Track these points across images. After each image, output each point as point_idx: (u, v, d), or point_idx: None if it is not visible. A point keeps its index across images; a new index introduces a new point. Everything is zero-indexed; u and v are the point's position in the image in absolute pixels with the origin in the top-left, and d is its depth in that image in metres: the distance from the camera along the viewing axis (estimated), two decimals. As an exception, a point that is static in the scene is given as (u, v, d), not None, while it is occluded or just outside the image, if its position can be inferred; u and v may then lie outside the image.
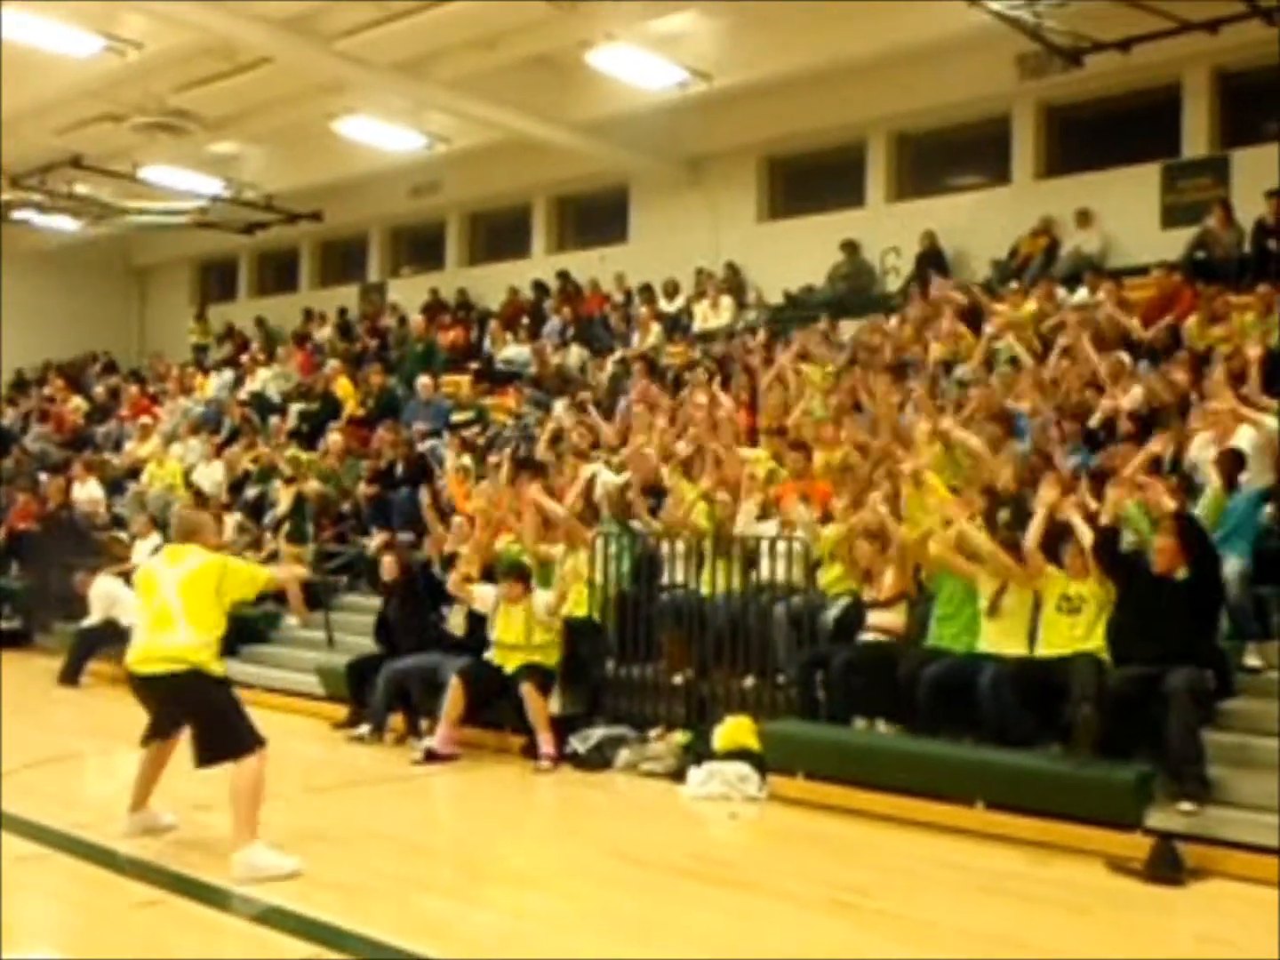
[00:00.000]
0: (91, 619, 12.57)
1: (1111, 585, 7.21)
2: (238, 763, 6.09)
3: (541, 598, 9.15)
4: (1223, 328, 10.81)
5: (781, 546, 8.80)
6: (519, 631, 9.03)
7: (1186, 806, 6.41)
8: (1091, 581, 7.25)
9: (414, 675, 9.47)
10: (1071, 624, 7.26)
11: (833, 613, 8.46)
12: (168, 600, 6.27)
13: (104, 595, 12.54)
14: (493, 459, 12.18)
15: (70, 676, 12.20)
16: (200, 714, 6.23)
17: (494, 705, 9.10)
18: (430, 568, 10.71)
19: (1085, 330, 10.91)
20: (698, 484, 10.06)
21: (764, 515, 9.44)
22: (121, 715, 10.83)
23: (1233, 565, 7.42)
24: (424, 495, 11.41)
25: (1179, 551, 6.99)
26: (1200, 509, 7.75)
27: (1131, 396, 9.80)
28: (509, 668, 8.98)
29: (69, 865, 6.26)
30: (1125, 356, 10.61)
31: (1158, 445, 8.29)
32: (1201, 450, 8.56)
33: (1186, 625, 6.92)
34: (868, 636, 8.15)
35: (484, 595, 9.46)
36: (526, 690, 8.74)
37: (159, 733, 6.52)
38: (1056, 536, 7.48)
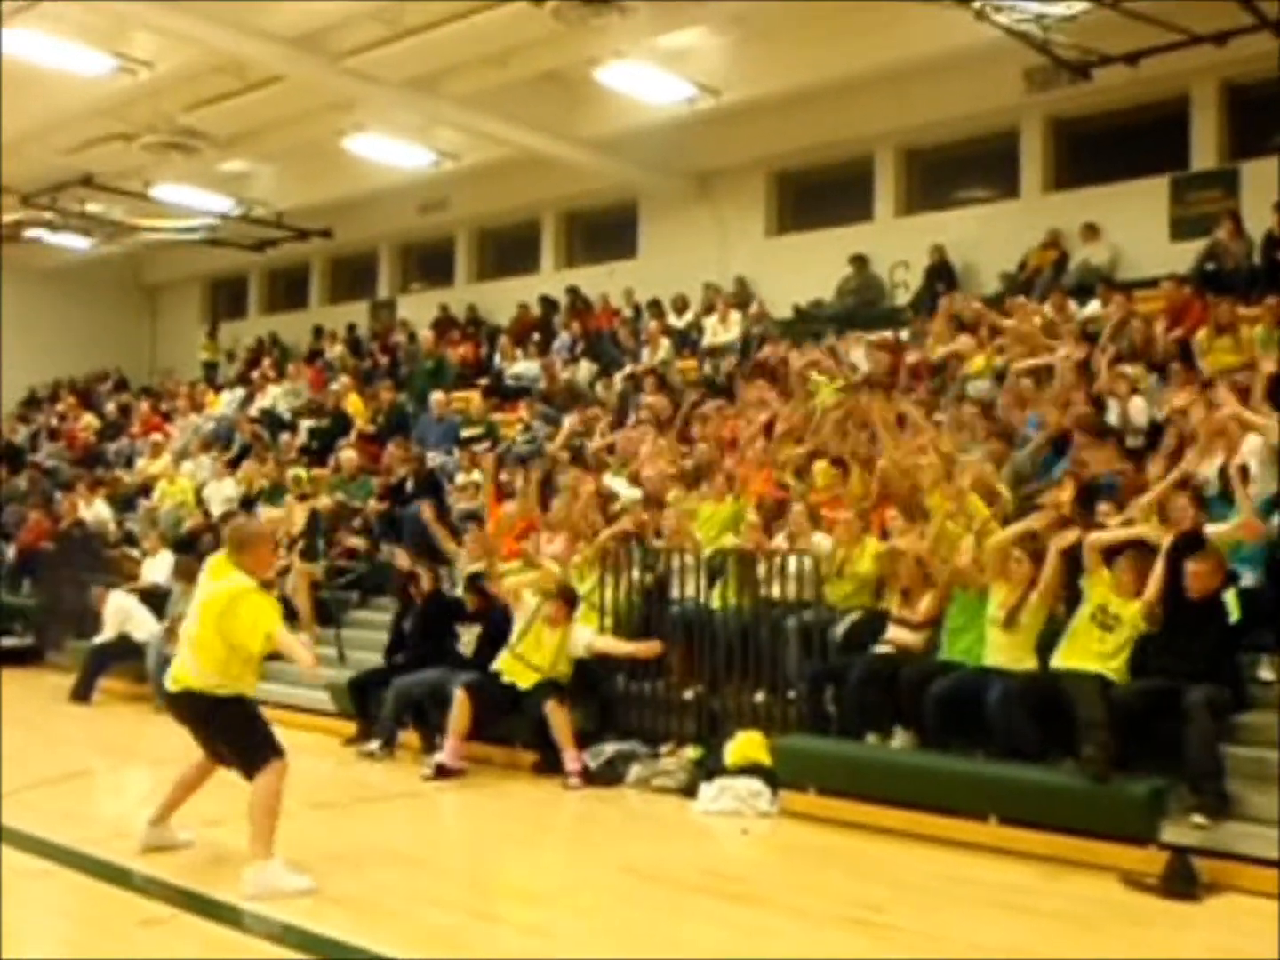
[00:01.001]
0: (105, 635, 12.57)
1: (1156, 613, 7.11)
2: (255, 780, 6.08)
3: (583, 634, 9.12)
4: (1230, 339, 10.76)
5: (793, 563, 8.79)
6: (547, 657, 8.95)
7: (1199, 820, 6.38)
8: (1135, 608, 7.14)
9: (424, 691, 9.46)
10: (1102, 638, 7.15)
11: (841, 627, 8.44)
12: (189, 620, 6.28)
13: (118, 611, 12.55)
14: (519, 476, 12.12)
15: (82, 693, 12.20)
16: (211, 734, 6.23)
17: (503, 721, 9.07)
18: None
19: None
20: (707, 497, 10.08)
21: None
22: (132, 732, 10.94)
23: (1246, 579, 7.38)
24: (425, 509, 11.43)
25: (1209, 577, 6.95)
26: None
27: (1136, 408, 9.77)
28: (522, 684, 8.95)
29: (76, 881, 6.26)
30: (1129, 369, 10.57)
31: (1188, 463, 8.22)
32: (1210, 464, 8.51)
33: (1213, 643, 6.88)
34: (883, 649, 8.12)
35: (528, 604, 9.27)
36: (551, 708, 8.69)
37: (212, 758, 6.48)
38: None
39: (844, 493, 9.55)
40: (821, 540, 8.89)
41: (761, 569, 9.02)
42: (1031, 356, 11.37)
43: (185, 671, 6.20)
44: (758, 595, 8.96)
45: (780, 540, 9.19)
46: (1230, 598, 6.99)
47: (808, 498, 9.60)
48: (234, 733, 6.20)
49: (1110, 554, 7.37)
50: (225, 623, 6.05)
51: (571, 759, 8.61)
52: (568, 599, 9.13)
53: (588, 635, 9.17)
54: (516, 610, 9.25)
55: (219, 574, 6.27)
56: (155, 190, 18.61)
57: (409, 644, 10.20)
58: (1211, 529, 7.39)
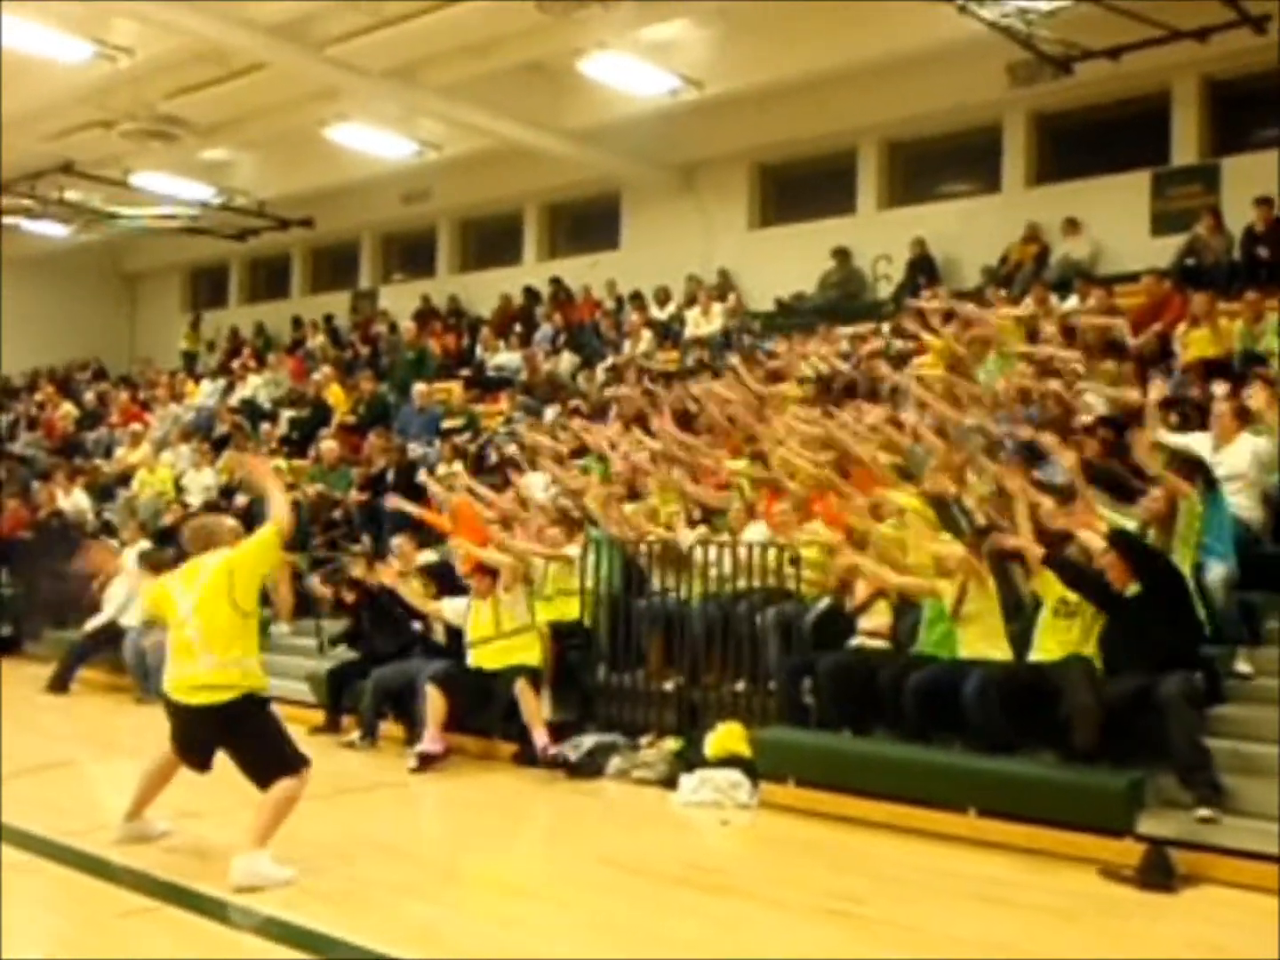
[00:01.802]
0: (99, 619, 12.46)
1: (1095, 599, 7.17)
2: (269, 786, 6.03)
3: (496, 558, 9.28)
4: (1209, 330, 10.80)
5: (772, 553, 8.82)
6: (489, 625, 9.08)
7: (1205, 813, 6.38)
8: None
9: (399, 682, 9.47)
10: (1068, 627, 7.20)
11: (810, 617, 8.47)
12: (186, 629, 6.10)
13: (118, 596, 12.46)
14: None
15: (60, 684, 12.14)
16: (238, 742, 6.09)
17: (479, 713, 9.09)
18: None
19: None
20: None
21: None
22: (111, 723, 10.89)
23: (1216, 571, 7.42)
24: (391, 500, 11.50)
25: (1124, 569, 6.99)
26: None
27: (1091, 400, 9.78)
28: (489, 665, 8.99)
29: (58, 873, 6.23)
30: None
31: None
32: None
33: (1169, 634, 6.89)
34: (856, 640, 8.15)
35: (455, 607, 9.54)
36: (520, 688, 8.73)
37: (183, 759, 6.36)
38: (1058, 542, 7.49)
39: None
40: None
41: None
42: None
43: (197, 678, 6.03)
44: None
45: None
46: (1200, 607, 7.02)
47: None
48: (260, 741, 6.08)
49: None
50: (238, 579, 6.02)
51: (539, 735, 8.67)
52: (484, 570, 9.24)
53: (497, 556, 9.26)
54: (449, 618, 9.60)
55: (195, 576, 6.18)
56: (135, 178, 18.53)
57: (374, 635, 10.17)
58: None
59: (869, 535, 8.34)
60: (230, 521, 6.87)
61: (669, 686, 9.06)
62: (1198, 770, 6.49)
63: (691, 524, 9.76)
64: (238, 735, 6.08)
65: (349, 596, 10.40)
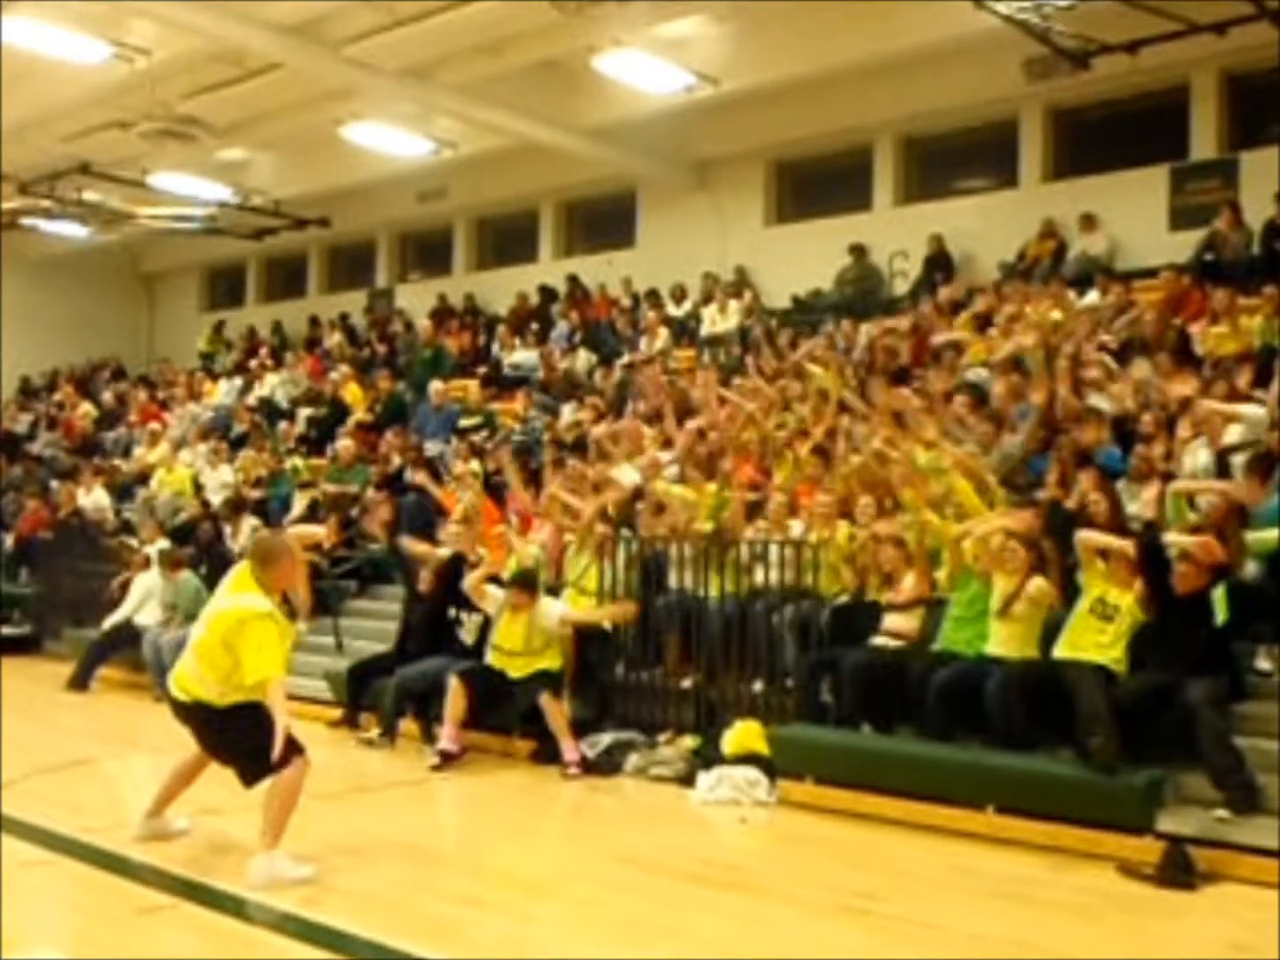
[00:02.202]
0: (118, 616, 12.48)
1: (1150, 603, 7.12)
2: (252, 785, 6.07)
3: (554, 607, 9.15)
4: (1229, 325, 10.75)
5: (790, 551, 8.81)
6: (519, 640, 9.01)
7: (1221, 814, 6.36)
8: (1131, 597, 7.15)
9: (423, 681, 9.46)
10: (1101, 629, 7.16)
11: (825, 614, 8.45)
12: (198, 627, 6.20)
13: (144, 591, 12.49)
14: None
15: (80, 682, 12.20)
16: (217, 741, 6.17)
17: (498, 710, 9.08)
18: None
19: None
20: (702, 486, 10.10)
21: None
22: (130, 721, 10.94)
23: (1251, 568, 7.39)
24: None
25: (1202, 572, 6.96)
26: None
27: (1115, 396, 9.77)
28: (511, 673, 8.98)
29: (75, 870, 6.26)
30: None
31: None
32: (1195, 455, 8.53)
33: (1208, 637, 6.88)
34: (880, 640, 8.13)
35: (495, 596, 9.45)
36: (545, 700, 8.70)
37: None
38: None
39: (825, 479, 9.62)
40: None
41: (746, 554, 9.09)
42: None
43: (190, 679, 6.13)
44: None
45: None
46: (1219, 597, 6.96)
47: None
48: (241, 742, 6.10)
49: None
50: (232, 639, 5.97)
51: (569, 749, 8.62)
52: (524, 585, 9.15)
53: (559, 608, 9.20)
54: (483, 605, 9.38)
55: (239, 587, 6.17)
56: (152, 178, 18.55)
57: (412, 634, 10.19)
58: (1173, 538, 7.34)
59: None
60: (292, 540, 6.76)
61: (686, 684, 9.05)
62: (1232, 773, 6.45)
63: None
64: (213, 731, 6.14)
65: (428, 582, 10.06)
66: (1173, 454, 8.60)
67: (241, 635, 5.94)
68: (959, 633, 7.82)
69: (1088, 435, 8.98)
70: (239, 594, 6.14)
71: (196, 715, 6.14)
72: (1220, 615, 6.94)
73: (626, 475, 11.06)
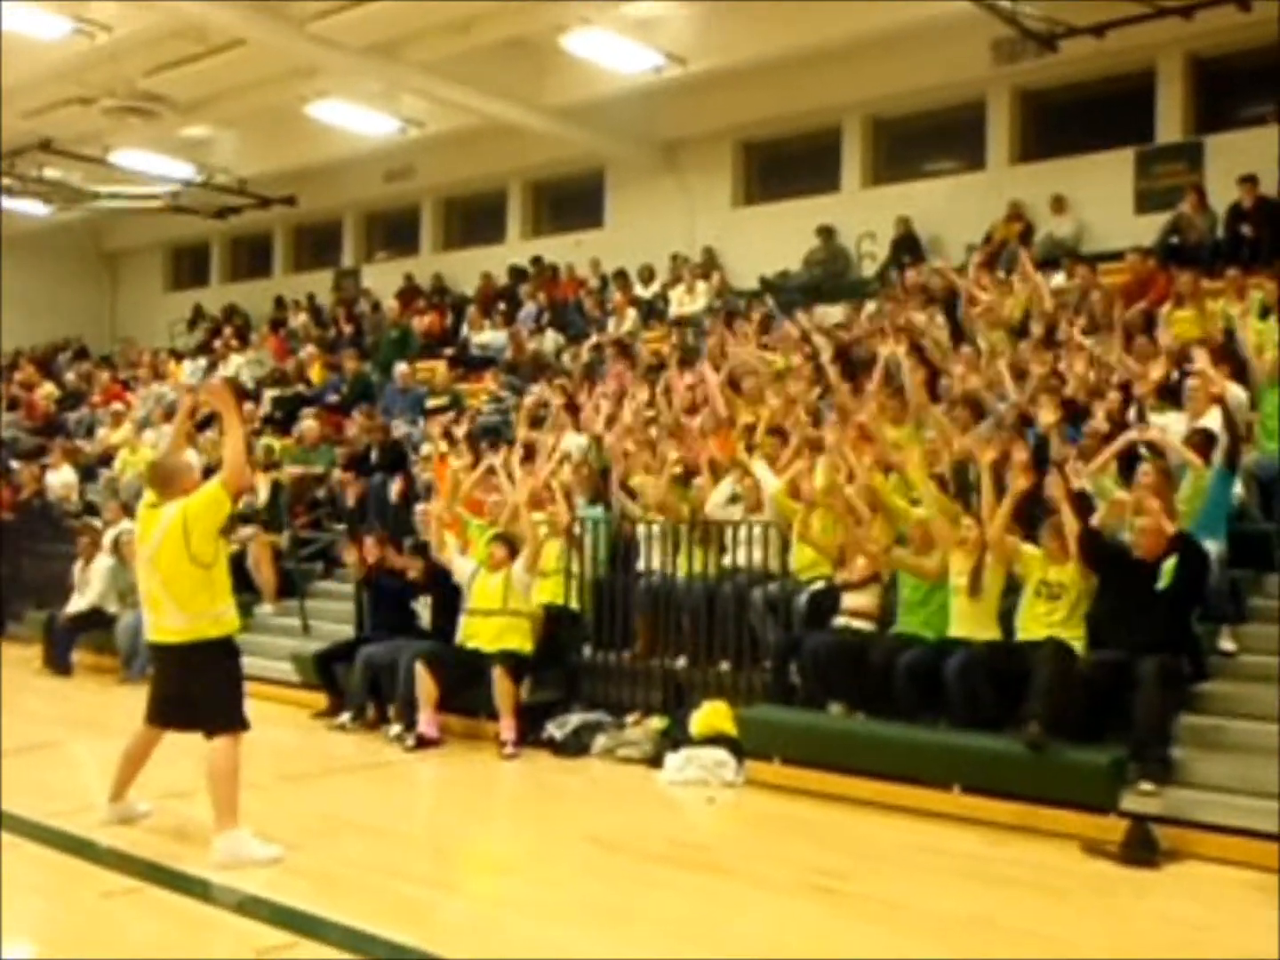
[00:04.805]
0: (81, 602, 12.39)
1: (1092, 575, 7.21)
2: (211, 745, 6.01)
3: (520, 564, 9.19)
4: (1193, 309, 10.80)
5: (758, 531, 8.82)
6: (496, 598, 9.04)
7: (1146, 787, 6.46)
8: (1071, 568, 7.24)
9: (383, 661, 9.44)
10: (1050, 609, 7.26)
11: (804, 597, 8.47)
12: (149, 581, 6.10)
13: (102, 575, 12.41)
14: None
15: (61, 665, 12.09)
16: (200, 681, 6.09)
17: (466, 693, 9.06)
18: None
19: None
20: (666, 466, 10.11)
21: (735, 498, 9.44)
22: (96, 704, 10.85)
23: (1210, 548, 7.42)
24: (396, 485, 11.42)
25: (1161, 537, 7.02)
26: (1184, 493, 7.76)
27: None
28: (482, 641, 8.98)
29: (40, 854, 6.21)
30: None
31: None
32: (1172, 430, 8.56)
33: (1165, 614, 6.93)
34: (842, 620, 8.16)
35: (460, 565, 9.46)
36: (498, 675, 8.71)
37: (156, 718, 6.32)
38: (1034, 517, 7.51)
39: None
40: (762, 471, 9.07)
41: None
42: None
43: (167, 627, 6.07)
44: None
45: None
46: (1168, 568, 7.01)
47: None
48: (216, 683, 6.08)
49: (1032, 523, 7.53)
50: (191, 531, 5.90)
51: (507, 728, 8.65)
52: (506, 543, 9.21)
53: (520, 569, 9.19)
54: (453, 571, 9.44)
55: (152, 524, 6.08)
56: (115, 156, 18.36)
57: (369, 617, 10.17)
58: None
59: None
60: (193, 462, 6.70)
61: (655, 665, 9.06)
62: (1152, 745, 6.55)
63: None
64: (201, 673, 6.08)
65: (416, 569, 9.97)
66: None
67: (190, 516, 5.91)
68: (914, 615, 7.90)
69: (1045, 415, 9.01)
70: (160, 522, 6.05)
71: (175, 654, 6.09)
72: (1164, 579, 6.99)
73: (572, 442, 11.10)
